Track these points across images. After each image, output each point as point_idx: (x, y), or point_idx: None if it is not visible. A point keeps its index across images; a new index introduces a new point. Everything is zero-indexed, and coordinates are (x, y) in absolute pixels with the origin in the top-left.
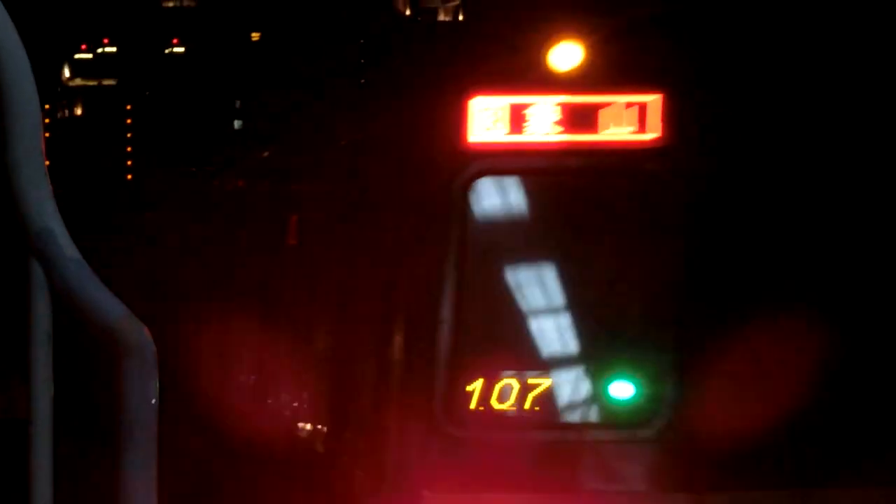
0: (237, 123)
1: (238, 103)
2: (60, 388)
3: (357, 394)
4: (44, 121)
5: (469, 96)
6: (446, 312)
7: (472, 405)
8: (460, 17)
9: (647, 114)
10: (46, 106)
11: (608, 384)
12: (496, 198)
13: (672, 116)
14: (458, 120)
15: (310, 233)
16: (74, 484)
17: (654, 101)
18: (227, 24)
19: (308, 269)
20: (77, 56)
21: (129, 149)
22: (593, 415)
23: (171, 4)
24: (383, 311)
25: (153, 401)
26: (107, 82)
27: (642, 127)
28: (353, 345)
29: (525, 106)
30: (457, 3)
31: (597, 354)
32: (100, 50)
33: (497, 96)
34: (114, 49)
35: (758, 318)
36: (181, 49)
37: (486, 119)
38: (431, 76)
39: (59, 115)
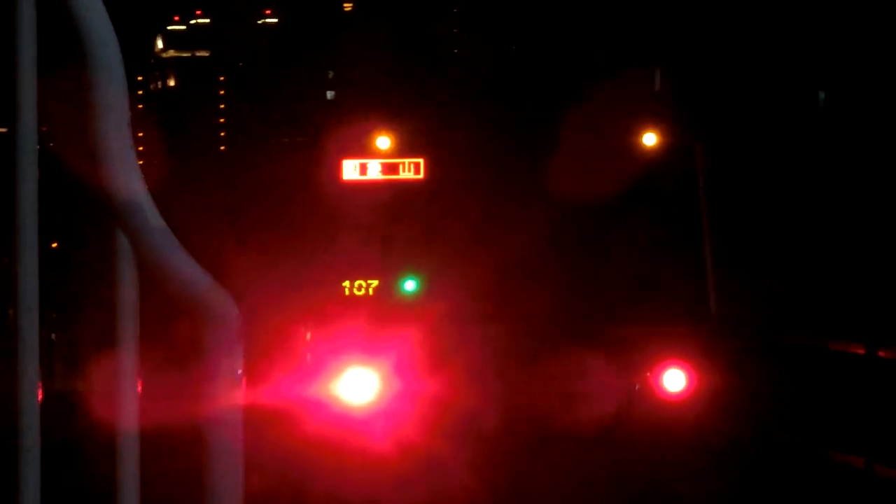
0: (329, 94)
1: (331, 74)
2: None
3: None
4: (137, 92)
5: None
6: None
7: None
8: None
9: (421, 166)
10: (139, 77)
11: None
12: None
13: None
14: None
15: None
16: (160, 454)
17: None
18: None
19: None
20: (170, 27)
21: (221, 120)
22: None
23: None
24: None
25: (239, 370)
26: (200, 53)
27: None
28: None
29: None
30: None
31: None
32: (193, 21)
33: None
34: (207, 20)
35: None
36: (274, 19)
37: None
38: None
39: (151, 87)
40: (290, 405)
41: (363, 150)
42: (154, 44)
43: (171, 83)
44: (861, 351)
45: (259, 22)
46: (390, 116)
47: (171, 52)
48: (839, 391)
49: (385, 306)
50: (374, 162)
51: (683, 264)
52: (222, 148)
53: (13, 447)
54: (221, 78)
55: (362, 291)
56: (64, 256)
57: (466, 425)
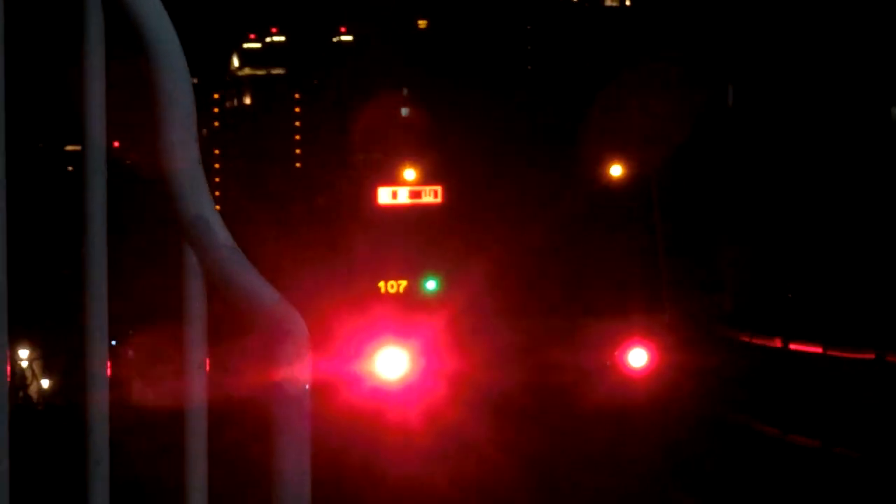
0: (404, 111)
1: (405, 91)
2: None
3: None
4: (213, 110)
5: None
6: None
7: None
8: (627, 3)
9: (439, 192)
10: (216, 95)
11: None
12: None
13: (448, 194)
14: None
15: None
16: (225, 468)
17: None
18: (394, 11)
19: None
20: (246, 45)
21: (297, 137)
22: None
23: None
24: None
25: (307, 385)
26: (275, 71)
27: (436, 197)
28: None
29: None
30: None
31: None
32: (268, 39)
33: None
34: (282, 38)
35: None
36: (349, 37)
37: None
38: None
39: (227, 105)
40: (335, 380)
41: (394, 179)
42: (230, 62)
43: (247, 101)
44: (779, 344)
45: (334, 40)
46: (415, 153)
47: (247, 70)
48: (760, 372)
49: (412, 301)
50: (403, 189)
51: (644, 269)
52: (298, 165)
53: (83, 460)
54: (297, 96)
55: (394, 289)
56: (140, 273)
57: (478, 394)
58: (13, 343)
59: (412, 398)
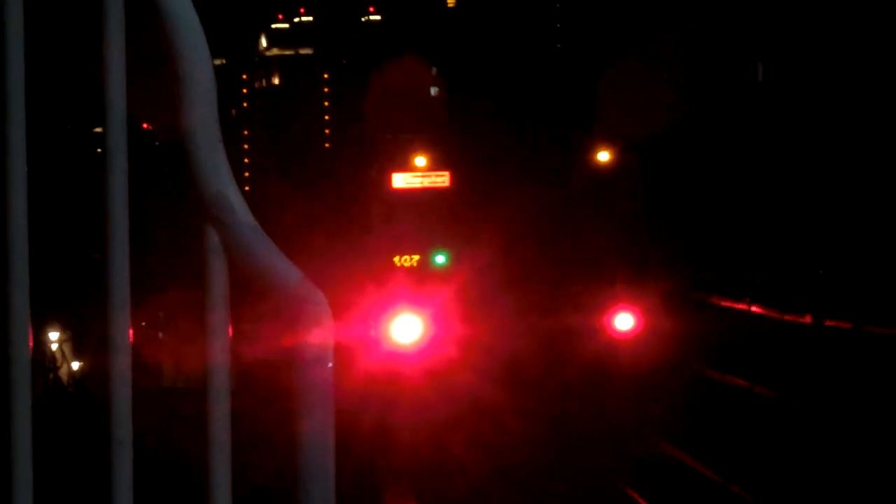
0: (434, 90)
1: (435, 70)
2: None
3: None
4: (242, 90)
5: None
6: None
7: None
8: None
9: (447, 178)
10: (244, 76)
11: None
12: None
13: (455, 179)
14: None
15: None
16: (247, 451)
17: (446, 173)
18: None
19: None
20: (274, 26)
21: (326, 117)
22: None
23: None
24: None
25: (329, 364)
26: (303, 51)
27: (445, 181)
28: None
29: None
30: None
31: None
32: (296, 19)
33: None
34: (310, 18)
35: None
36: (377, 17)
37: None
38: None
39: (256, 85)
40: (354, 344)
41: (407, 165)
42: (258, 42)
43: (276, 81)
44: (744, 307)
45: (363, 19)
46: (426, 142)
47: (275, 51)
48: (730, 334)
49: (424, 273)
50: (416, 175)
51: (631, 244)
52: (327, 146)
53: (107, 440)
54: (325, 76)
55: (408, 263)
56: (171, 255)
57: (483, 355)
58: (44, 325)
59: (424, 359)
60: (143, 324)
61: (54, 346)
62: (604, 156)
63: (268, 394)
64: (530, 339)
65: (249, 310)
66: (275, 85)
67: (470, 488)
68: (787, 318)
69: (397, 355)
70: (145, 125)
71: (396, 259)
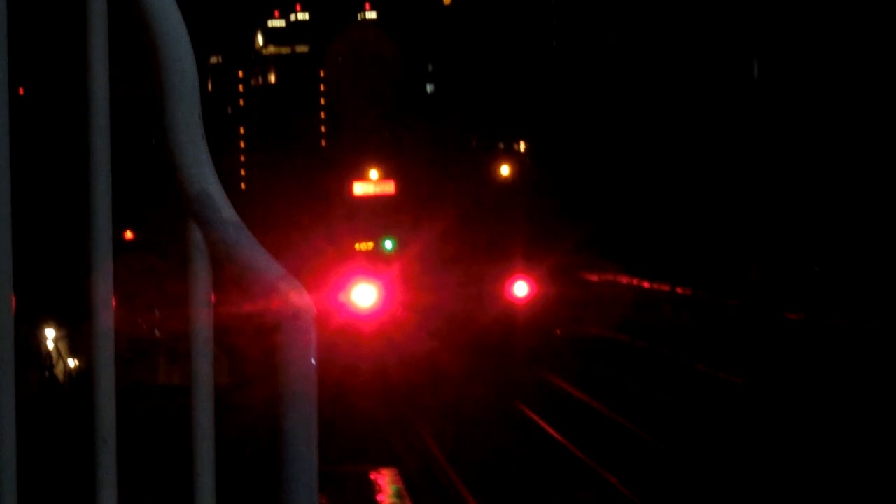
0: (429, 87)
1: (430, 67)
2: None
3: None
4: (238, 88)
5: None
6: None
7: None
8: None
9: (393, 185)
10: (240, 74)
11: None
12: None
13: (399, 187)
14: None
15: None
16: (232, 448)
17: (392, 182)
18: None
19: None
20: (270, 24)
21: (322, 115)
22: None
23: None
24: None
25: (313, 360)
26: (300, 49)
27: (391, 189)
28: None
29: None
30: None
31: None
32: (292, 17)
33: None
34: (306, 16)
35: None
36: (373, 14)
37: None
38: None
39: (252, 83)
40: (325, 308)
41: (364, 176)
42: (254, 40)
43: (272, 79)
44: (611, 278)
45: (358, 16)
46: (378, 160)
47: (271, 49)
48: (597, 298)
49: (377, 255)
50: (370, 183)
51: (527, 231)
52: (322, 143)
53: (90, 439)
54: (321, 73)
55: (364, 248)
56: (161, 253)
57: (421, 313)
58: (39, 323)
59: (378, 317)
60: (139, 321)
61: (50, 344)
62: (504, 170)
63: (252, 391)
64: (454, 301)
65: (234, 307)
66: (271, 83)
67: (411, 394)
68: (644, 284)
69: (359, 315)
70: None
71: (356, 245)
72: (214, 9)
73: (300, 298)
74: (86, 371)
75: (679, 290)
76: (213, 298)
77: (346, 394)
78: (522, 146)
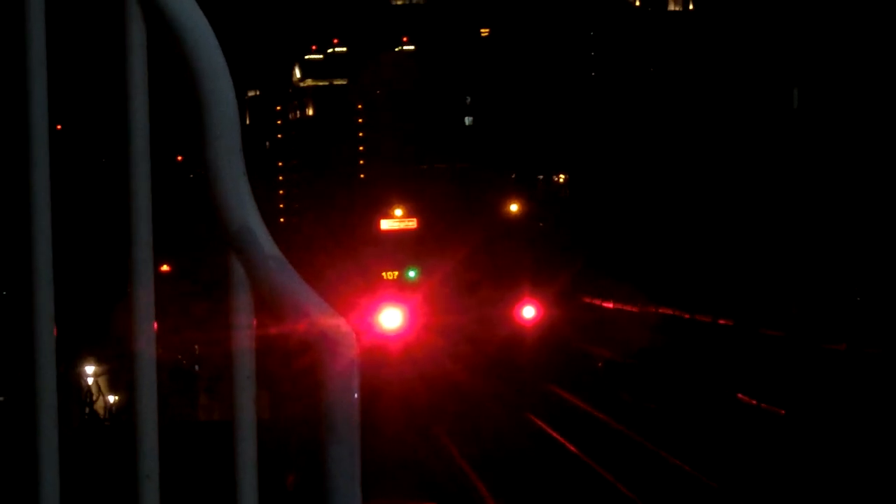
0: (468, 120)
1: (468, 100)
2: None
3: None
4: (276, 122)
5: None
6: None
7: None
8: (691, 7)
9: (416, 222)
10: (278, 107)
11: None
12: None
13: (421, 223)
14: None
15: None
16: (274, 483)
17: (415, 219)
18: (456, 20)
19: None
20: (308, 57)
21: (360, 148)
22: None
23: (400, 2)
24: None
25: (355, 395)
26: (337, 82)
27: (415, 225)
28: None
29: None
30: None
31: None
32: (330, 50)
33: None
34: (344, 49)
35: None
36: (411, 47)
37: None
38: None
39: (290, 116)
40: (355, 329)
41: (389, 214)
42: (292, 73)
43: (310, 112)
44: (610, 305)
45: (396, 49)
46: (402, 198)
47: (309, 82)
48: (597, 321)
49: (402, 283)
50: (395, 220)
51: (535, 262)
52: (362, 176)
53: (133, 474)
54: (359, 106)
55: (391, 277)
56: (206, 290)
57: (442, 334)
58: (79, 359)
59: (403, 338)
60: (179, 357)
61: (90, 380)
62: (514, 207)
63: (295, 423)
64: (470, 323)
65: (276, 341)
66: (308, 116)
67: (432, 405)
68: (627, 308)
69: (385, 336)
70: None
71: (384, 274)
72: (253, 42)
73: (344, 336)
74: (127, 405)
75: (663, 309)
76: (254, 333)
77: (373, 408)
78: (562, 178)
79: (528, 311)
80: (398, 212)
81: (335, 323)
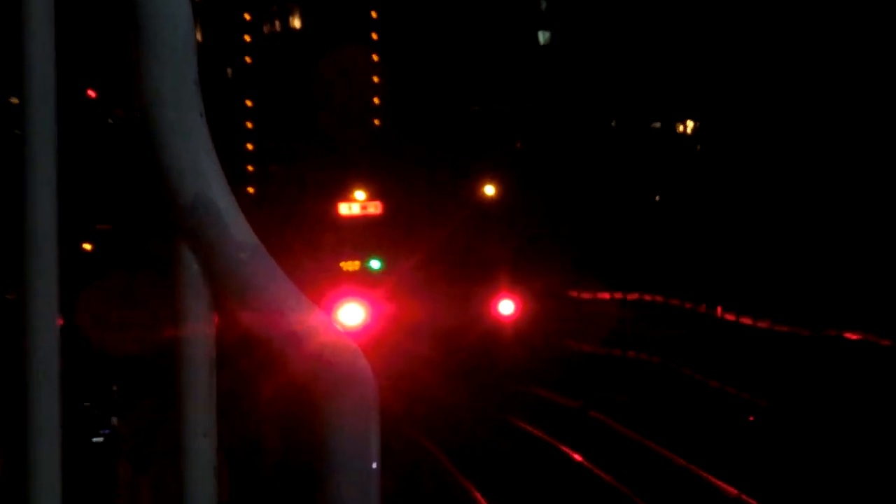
0: (542, 36)
1: (543, 4)
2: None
3: None
4: (243, 38)
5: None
6: None
7: None
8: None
9: (379, 206)
10: (247, 16)
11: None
12: None
13: (385, 208)
14: None
15: None
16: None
17: (378, 203)
18: None
19: None
20: None
21: (374, 78)
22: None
23: None
24: None
25: (374, 465)
26: None
27: (377, 209)
28: None
29: None
30: None
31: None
32: None
33: None
34: None
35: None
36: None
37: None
38: None
39: (265, 30)
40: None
41: (349, 197)
42: None
43: (296, 23)
44: (586, 296)
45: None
46: (364, 180)
47: None
48: (576, 314)
49: (363, 274)
50: (356, 204)
51: (513, 252)
52: (376, 122)
53: None
54: (373, 14)
55: (351, 268)
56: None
57: (407, 331)
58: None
59: (365, 335)
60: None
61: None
62: (489, 189)
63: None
64: (441, 320)
65: (250, 378)
66: (294, 29)
67: (403, 406)
68: (602, 296)
69: (347, 333)
70: (94, 94)
71: (343, 265)
72: None
73: (356, 363)
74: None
75: (629, 296)
76: (214, 367)
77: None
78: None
79: (506, 306)
80: (359, 194)
81: (345, 351)
